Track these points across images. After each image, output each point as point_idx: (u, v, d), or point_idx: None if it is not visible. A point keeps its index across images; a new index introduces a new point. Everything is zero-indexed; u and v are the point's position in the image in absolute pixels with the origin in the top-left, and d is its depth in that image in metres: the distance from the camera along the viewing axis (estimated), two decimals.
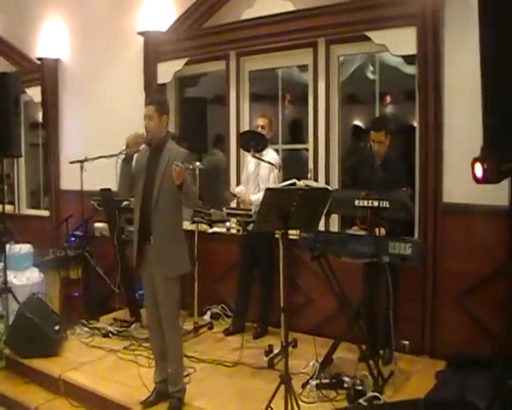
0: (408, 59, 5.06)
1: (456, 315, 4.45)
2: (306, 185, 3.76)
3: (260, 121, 5.11)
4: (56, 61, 7.32)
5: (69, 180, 6.79)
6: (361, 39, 4.81)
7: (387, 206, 3.80)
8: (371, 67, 5.70)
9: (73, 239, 6.40)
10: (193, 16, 5.80)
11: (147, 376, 4.06)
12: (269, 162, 4.86)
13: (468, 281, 4.37)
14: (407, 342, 4.65)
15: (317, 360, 4.13)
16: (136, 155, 3.79)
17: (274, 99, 5.88)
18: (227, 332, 5.25)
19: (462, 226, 4.43)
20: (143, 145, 3.80)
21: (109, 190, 5.28)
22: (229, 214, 4.69)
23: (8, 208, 8.14)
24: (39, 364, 4.63)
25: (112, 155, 4.91)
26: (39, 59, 7.29)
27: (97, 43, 6.80)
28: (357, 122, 7.31)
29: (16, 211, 8.21)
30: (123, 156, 3.77)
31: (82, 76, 7.06)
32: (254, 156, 4.76)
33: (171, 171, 3.51)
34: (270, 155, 5.02)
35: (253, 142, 4.72)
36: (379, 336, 4.25)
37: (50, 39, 7.38)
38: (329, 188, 3.66)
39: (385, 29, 4.61)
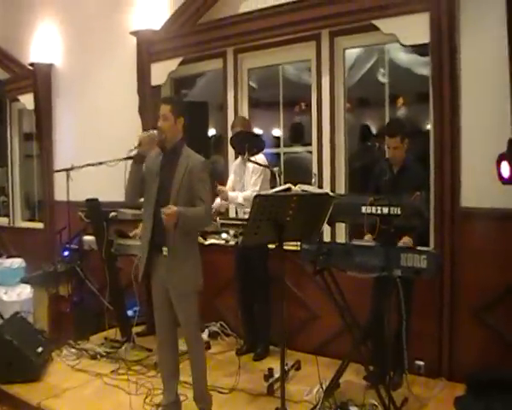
0: (420, 50, 4.61)
1: (478, 332, 4.04)
2: (303, 190, 3.32)
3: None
4: (49, 65, 7.01)
5: (64, 191, 6.45)
6: (368, 29, 4.41)
7: (398, 213, 3.36)
8: (382, 70, 5.25)
9: (67, 253, 6.05)
10: (187, 12, 5.41)
11: (134, 403, 3.70)
12: (262, 165, 4.47)
13: (491, 294, 3.95)
14: (422, 363, 4.22)
15: (321, 386, 3.70)
16: (146, 159, 3.46)
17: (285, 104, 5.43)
18: (240, 352, 4.79)
19: (482, 233, 4.00)
20: (156, 148, 3.46)
21: (96, 200, 4.90)
22: (223, 225, 4.27)
23: (4, 221, 7.91)
24: (18, 390, 4.23)
25: (100, 163, 4.59)
26: (31, 64, 6.98)
27: (90, 46, 6.49)
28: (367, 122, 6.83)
29: (11, 224, 7.88)
30: (132, 154, 3.42)
31: (75, 80, 6.76)
32: (249, 160, 4.32)
33: (189, 180, 3.35)
34: (258, 158, 4.57)
35: (248, 143, 4.29)
36: (389, 357, 3.79)
37: (43, 44, 7.09)
38: (330, 193, 3.21)
39: (394, 17, 4.19)
